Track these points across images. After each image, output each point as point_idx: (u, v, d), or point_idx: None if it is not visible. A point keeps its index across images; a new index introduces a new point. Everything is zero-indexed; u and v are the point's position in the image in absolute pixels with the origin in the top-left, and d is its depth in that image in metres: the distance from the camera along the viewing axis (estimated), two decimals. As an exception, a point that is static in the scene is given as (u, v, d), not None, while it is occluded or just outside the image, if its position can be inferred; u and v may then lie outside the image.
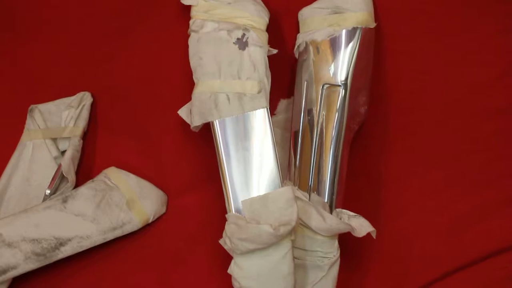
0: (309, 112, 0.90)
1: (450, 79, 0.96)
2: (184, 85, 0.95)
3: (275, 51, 0.90)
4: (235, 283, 0.86)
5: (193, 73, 0.89)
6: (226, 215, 0.87)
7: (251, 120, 0.87)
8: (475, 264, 0.96)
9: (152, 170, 1.01)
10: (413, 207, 0.98)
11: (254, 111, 0.87)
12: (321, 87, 0.89)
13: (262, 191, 0.86)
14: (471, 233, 0.97)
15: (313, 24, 0.90)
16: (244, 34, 0.88)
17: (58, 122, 1.01)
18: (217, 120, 0.87)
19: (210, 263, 0.97)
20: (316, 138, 0.89)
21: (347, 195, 0.93)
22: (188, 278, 0.98)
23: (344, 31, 0.88)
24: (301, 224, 0.87)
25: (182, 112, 0.91)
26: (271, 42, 0.90)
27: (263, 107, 0.88)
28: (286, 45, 0.97)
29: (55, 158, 1.00)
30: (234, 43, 0.88)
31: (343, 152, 0.89)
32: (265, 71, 0.88)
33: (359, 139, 0.96)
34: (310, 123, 0.90)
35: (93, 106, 1.02)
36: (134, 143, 1.01)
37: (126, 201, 0.96)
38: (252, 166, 0.87)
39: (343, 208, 0.89)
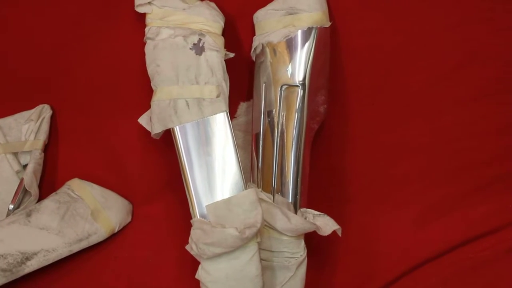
0: (269, 113, 0.90)
1: (408, 73, 0.97)
2: (143, 92, 0.95)
3: (232, 55, 0.90)
4: (203, 288, 0.86)
5: (151, 81, 0.89)
6: (191, 221, 0.87)
7: (211, 125, 0.88)
8: (442, 255, 0.97)
9: (116, 179, 1.01)
10: (378, 203, 0.99)
11: (214, 116, 0.88)
12: (280, 88, 0.89)
13: (226, 195, 0.86)
14: (437, 225, 0.98)
15: (268, 26, 0.90)
16: (200, 39, 0.88)
17: (18, 136, 1.00)
18: (177, 126, 0.87)
19: (178, 269, 0.97)
20: (277, 139, 0.89)
21: (312, 194, 0.93)
22: (157, 286, 0.97)
23: (299, 32, 0.89)
24: (267, 226, 0.88)
25: (143, 120, 0.91)
26: (228, 46, 0.90)
27: (222, 111, 0.88)
28: (243, 48, 0.97)
29: (17, 172, 0.99)
30: (190, 48, 0.88)
31: (305, 152, 0.90)
32: (223, 75, 0.88)
33: (321, 138, 0.97)
34: (271, 125, 0.90)
35: (53, 118, 1.02)
36: (96, 153, 1.01)
37: (91, 212, 0.96)
38: (214, 171, 0.87)
39: (307, 207, 0.90)
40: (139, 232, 1.00)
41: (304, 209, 0.89)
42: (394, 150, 0.99)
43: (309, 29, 0.89)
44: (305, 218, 0.88)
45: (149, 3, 0.89)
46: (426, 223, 0.98)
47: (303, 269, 0.89)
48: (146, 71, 0.89)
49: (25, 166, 1.00)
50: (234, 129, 0.89)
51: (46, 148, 1.01)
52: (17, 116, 1.01)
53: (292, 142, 0.89)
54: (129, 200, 1.00)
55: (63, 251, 0.93)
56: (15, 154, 1.00)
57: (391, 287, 0.97)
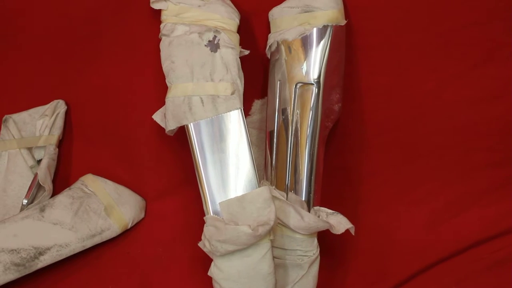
0: (283, 111, 0.90)
1: (423, 72, 0.96)
2: (157, 89, 0.95)
3: (247, 52, 0.90)
4: (215, 285, 0.86)
5: (165, 77, 0.89)
6: (204, 218, 0.87)
7: (225, 122, 0.87)
8: (455, 256, 0.97)
9: (129, 175, 1.01)
10: (391, 202, 0.99)
11: (228, 113, 0.87)
12: (294, 86, 0.89)
13: (239, 192, 0.86)
14: (450, 225, 0.97)
15: (283, 24, 0.90)
16: (215, 36, 0.88)
17: (32, 131, 1.00)
18: (191, 123, 0.87)
19: (190, 266, 0.97)
20: (291, 137, 0.89)
21: (325, 193, 0.93)
22: (169, 282, 0.97)
23: (315, 30, 0.89)
24: (280, 224, 0.87)
25: (157, 117, 0.91)
26: (243, 43, 0.90)
27: (237, 108, 0.87)
28: (258, 45, 0.96)
29: (31, 167, 0.99)
30: (205, 45, 0.88)
31: (319, 150, 0.89)
32: (237, 72, 0.88)
33: (335, 136, 0.97)
34: (285, 123, 0.90)
35: (67, 113, 1.02)
36: (110, 149, 1.01)
37: (104, 207, 0.96)
38: (228, 168, 0.87)
39: (321, 205, 0.90)
40: (152, 229, 1.00)
41: (318, 207, 0.89)
42: (408, 149, 0.98)
43: (325, 27, 0.89)
44: (318, 217, 0.88)
45: (165, -1, 0.89)
46: (440, 223, 0.98)
47: (315, 268, 0.89)
48: (161, 67, 0.89)
49: (39, 161, 1.00)
50: (248, 127, 0.89)
51: (61, 144, 1.02)
52: (32, 111, 1.01)
53: (306, 140, 0.89)
54: (142, 196, 1.00)
55: (76, 247, 0.93)
56: (30, 149, 1.00)
57: (403, 287, 0.97)
